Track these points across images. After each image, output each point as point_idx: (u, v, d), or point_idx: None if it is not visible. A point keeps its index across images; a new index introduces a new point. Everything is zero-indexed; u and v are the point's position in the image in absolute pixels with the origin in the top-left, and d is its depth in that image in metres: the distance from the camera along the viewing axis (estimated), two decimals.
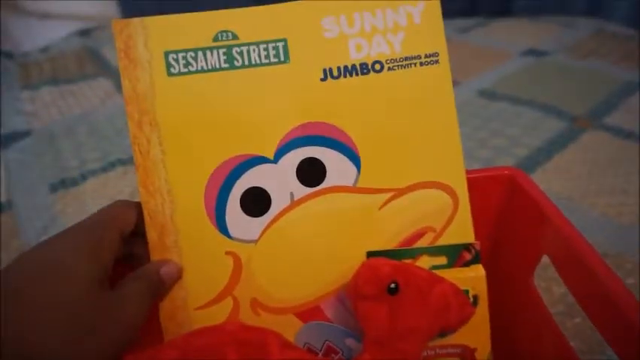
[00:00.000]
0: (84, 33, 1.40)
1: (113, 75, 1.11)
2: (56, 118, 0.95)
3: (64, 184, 0.74)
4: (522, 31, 1.24)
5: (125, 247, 0.28)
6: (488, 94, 0.93)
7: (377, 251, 0.30)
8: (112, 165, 0.77)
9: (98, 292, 0.24)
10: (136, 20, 0.30)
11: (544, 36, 1.20)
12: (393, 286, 0.27)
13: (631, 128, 0.79)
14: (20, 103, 1.02)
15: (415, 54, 0.31)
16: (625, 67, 1.01)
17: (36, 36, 1.34)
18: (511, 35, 1.22)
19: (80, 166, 0.78)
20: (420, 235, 0.32)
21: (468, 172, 0.32)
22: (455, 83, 0.97)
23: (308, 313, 0.31)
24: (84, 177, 0.75)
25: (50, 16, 1.40)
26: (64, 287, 0.23)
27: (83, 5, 1.44)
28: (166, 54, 0.30)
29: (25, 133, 0.90)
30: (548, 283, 0.49)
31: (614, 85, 0.93)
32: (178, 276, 0.30)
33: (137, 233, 0.29)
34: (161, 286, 0.28)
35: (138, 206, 0.29)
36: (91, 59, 1.24)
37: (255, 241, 0.31)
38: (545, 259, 0.32)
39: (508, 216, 0.35)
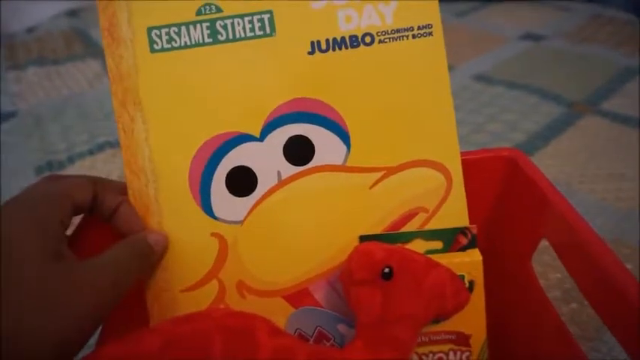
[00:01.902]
0: (72, 13, 1.37)
1: (102, 56, 1.08)
2: (43, 100, 0.93)
3: (50, 166, 0.73)
4: (519, 15, 1.22)
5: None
6: (484, 79, 0.91)
7: (370, 235, 0.29)
8: (100, 147, 0.76)
9: (52, 264, 0.22)
10: None
11: (541, 20, 1.18)
12: (387, 271, 0.26)
13: (629, 113, 0.78)
14: (5, 83, 1.00)
15: (407, 25, 0.29)
16: (623, 52, 0.99)
17: (23, 16, 1.31)
18: (508, 19, 1.20)
19: (67, 148, 0.77)
20: (412, 215, 0.30)
21: (465, 153, 0.31)
22: (451, 67, 0.95)
23: (297, 297, 0.30)
24: (71, 159, 0.74)
25: None
26: (8, 265, 0.21)
27: None
28: (149, 30, 0.29)
29: (11, 114, 0.88)
30: (544, 268, 0.48)
31: (612, 70, 0.92)
32: (166, 244, 0.29)
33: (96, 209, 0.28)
34: (150, 252, 0.27)
35: (95, 183, 0.28)
36: (79, 40, 1.21)
37: (241, 222, 0.29)
38: (540, 245, 0.31)
39: (506, 199, 0.34)
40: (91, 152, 0.75)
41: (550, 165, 0.67)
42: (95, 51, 1.13)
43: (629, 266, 0.50)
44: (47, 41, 1.20)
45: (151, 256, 0.28)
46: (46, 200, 0.24)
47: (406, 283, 0.26)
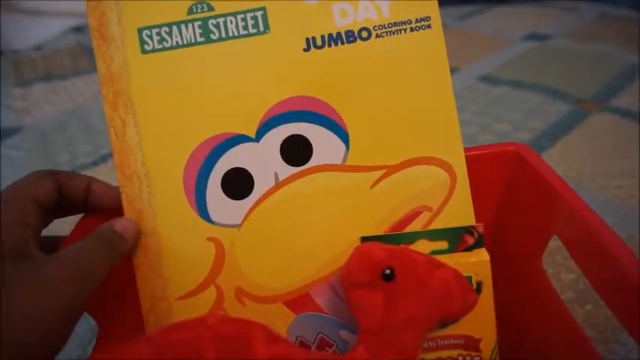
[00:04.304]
0: (78, 29, 1.39)
1: None
2: (48, 114, 0.93)
3: None
4: (523, 17, 1.21)
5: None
6: (489, 80, 0.90)
7: (372, 236, 0.28)
8: (103, 159, 0.76)
9: (10, 266, 0.22)
10: None
11: (546, 21, 1.17)
12: (388, 272, 0.25)
13: (637, 110, 0.76)
14: (12, 99, 1.00)
15: (405, 19, 0.29)
16: (630, 49, 0.98)
17: (30, 34, 1.33)
18: (511, 21, 1.19)
19: (71, 160, 0.76)
20: (415, 214, 0.29)
21: (468, 149, 0.30)
22: (455, 69, 0.95)
23: (298, 302, 0.29)
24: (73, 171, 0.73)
25: (44, 14, 1.38)
26: None
27: (77, 2, 1.42)
28: (140, 30, 0.28)
29: (15, 130, 0.88)
30: (556, 269, 0.47)
31: (620, 68, 0.91)
32: (137, 230, 0.28)
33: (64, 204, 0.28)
34: (119, 240, 0.26)
35: (54, 175, 0.27)
36: (85, 55, 1.22)
37: (239, 226, 0.29)
38: (552, 245, 0.29)
39: (513, 195, 0.33)
40: (94, 163, 0.75)
41: (559, 163, 0.65)
42: None
43: None
44: (54, 57, 1.21)
45: (120, 244, 0.26)
46: (2, 204, 0.24)
47: (409, 285, 0.24)
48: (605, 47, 1.00)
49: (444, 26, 0.29)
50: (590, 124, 0.74)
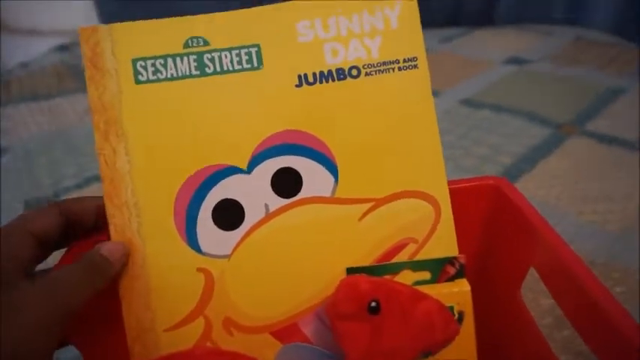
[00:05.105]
0: (64, 48, 1.38)
1: None
2: (33, 135, 0.92)
3: (38, 200, 0.72)
4: (504, 40, 1.24)
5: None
6: (470, 103, 0.92)
7: (357, 267, 0.29)
8: (88, 181, 0.75)
9: None
10: (103, 27, 0.29)
11: (526, 44, 1.20)
12: (373, 304, 0.26)
13: (615, 134, 0.79)
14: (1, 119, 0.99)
15: (393, 58, 0.30)
16: (606, 73, 1.01)
17: (18, 52, 1.32)
18: (493, 44, 1.22)
19: (55, 183, 0.76)
20: (401, 246, 0.30)
21: (450, 182, 0.31)
22: (437, 93, 0.97)
23: (285, 332, 0.30)
24: (56, 195, 0.73)
25: (34, 33, 1.38)
26: None
27: (66, 21, 1.42)
28: (134, 61, 0.29)
29: (2, 151, 0.87)
30: (535, 294, 0.48)
31: (597, 92, 0.93)
32: (124, 252, 0.28)
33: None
34: (105, 264, 0.27)
35: (58, 205, 0.28)
36: (70, 75, 1.21)
37: (228, 256, 0.29)
38: (532, 270, 0.30)
39: (493, 228, 0.34)
40: (78, 186, 0.74)
41: (538, 187, 0.67)
42: (86, 86, 1.13)
43: (619, 289, 0.50)
44: (40, 76, 1.20)
45: (107, 269, 0.27)
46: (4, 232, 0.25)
47: (394, 317, 0.25)
48: (581, 71, 1.03)
49: (428, 49, 0.30)
50: (568, 148, 0.76)
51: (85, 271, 0.26)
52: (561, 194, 0.65)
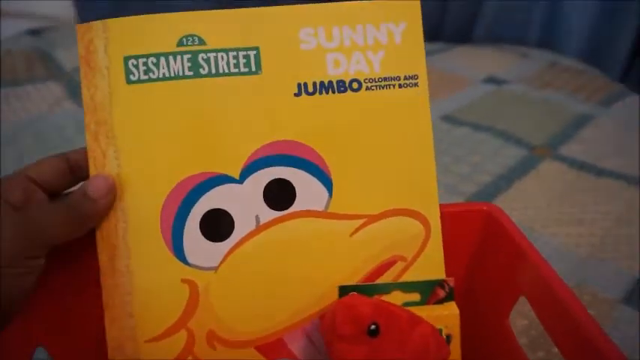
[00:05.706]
0: (35, 32, 1.33)
1: (64, 80, 1.04)
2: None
3: None
4: (483, 59, 1.26)
5: None
6: (451, 120, 0.93)
7: (349, 286, 0.28)
8: None
9: None
10: (97, 23, 0.27)
11: (503, 65, 1.22)
12: (373, 327, 0.25)
13: (584, 159, 0.81)
14: None
15: (394, 75, 0.30)
16: (578, 99, 1.04)
17: None
18: (472, 62, 1.24)
19: None
20: (390, 264, 0.30)
21: (443, 206, 0.31)
22: None
23: (271, 348, 0.29)
24: None
25: (1, 14, 1.32)
26: None
27: (36, 4, 1.37)
28: (126, 59, 0.28)
29: None
30: (511, 315, 0.48)
31: (569, 117, 0.96)
32: (110, 186, 0.27)
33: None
34: (89, 205, 0.26)
35: (56, 156, 0.28)
36: (41, 61, 1.16)
37: (215, 269, 0.28)
38: None
39: (484, 253, 0.34)
40: None
41: (513, 208, 0.68)
42: (58, 74, 1.09)
43: (590, 312, 0.51)
44: (7, 61, 1.15)
45: (89, 209, 0.26)
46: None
47: (392, 340, 0.25)
48: (555, 95, 1.06)
49: None
50: (542, 171, 0.78)
51: (64, 207, 0.26)
52: (536, 216, 0.66)
